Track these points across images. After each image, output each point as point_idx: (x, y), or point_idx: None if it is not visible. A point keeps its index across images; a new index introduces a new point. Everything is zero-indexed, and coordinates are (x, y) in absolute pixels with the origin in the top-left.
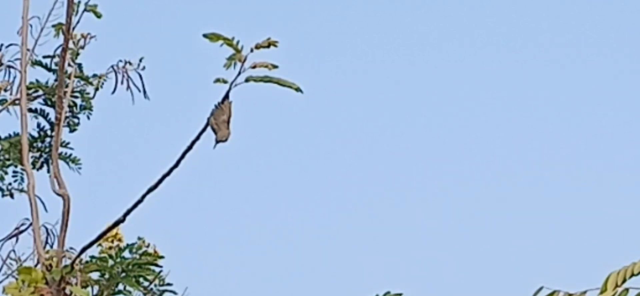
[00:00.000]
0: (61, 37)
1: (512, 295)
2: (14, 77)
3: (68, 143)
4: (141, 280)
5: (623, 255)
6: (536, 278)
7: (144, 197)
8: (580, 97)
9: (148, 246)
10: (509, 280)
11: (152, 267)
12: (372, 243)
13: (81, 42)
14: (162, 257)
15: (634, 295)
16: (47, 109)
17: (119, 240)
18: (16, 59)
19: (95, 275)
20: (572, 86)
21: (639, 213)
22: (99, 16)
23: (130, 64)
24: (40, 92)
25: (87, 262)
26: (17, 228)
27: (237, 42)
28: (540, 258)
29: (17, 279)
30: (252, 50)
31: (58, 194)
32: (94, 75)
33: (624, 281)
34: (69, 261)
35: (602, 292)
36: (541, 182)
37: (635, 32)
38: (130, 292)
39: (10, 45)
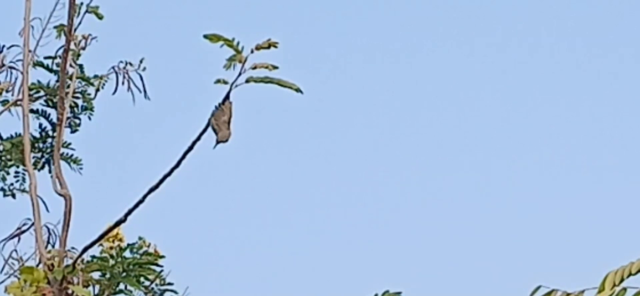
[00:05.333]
0: (63, 38)
1: (511, 295)
2: (16, 78)
3: (69, 143)
4: (142, 279)
5: (621, 254)
6: (535, 278)
7: (145, 197)
8: (580, 97)
9: (149, 246)
10: (508, 279)
11: (153, 267)
12: (372, 243)
13: (82, 43)
14: (162, 257)
15: (632, 295)
16: (49, 110)
17: (120, 239)
18: (18, 60)
19: (96, 275)
20: (572, 85)
21: (638, 213)
22: (100, 17)
23: (131, 64)
24: (42, 93)
25: (88, 262)
26: (19, 228)
27: (238, 43)
28: (539, 258)
29: (19, 279)
30: (252, 51)
31: (60, 194)
32: (95, 76)
33: (622, 280)
34: (70, 261)
35: (600, 291)
36: (540, 181)
37: (635, 32)
38: (131, 291)
39: (12, 46)
